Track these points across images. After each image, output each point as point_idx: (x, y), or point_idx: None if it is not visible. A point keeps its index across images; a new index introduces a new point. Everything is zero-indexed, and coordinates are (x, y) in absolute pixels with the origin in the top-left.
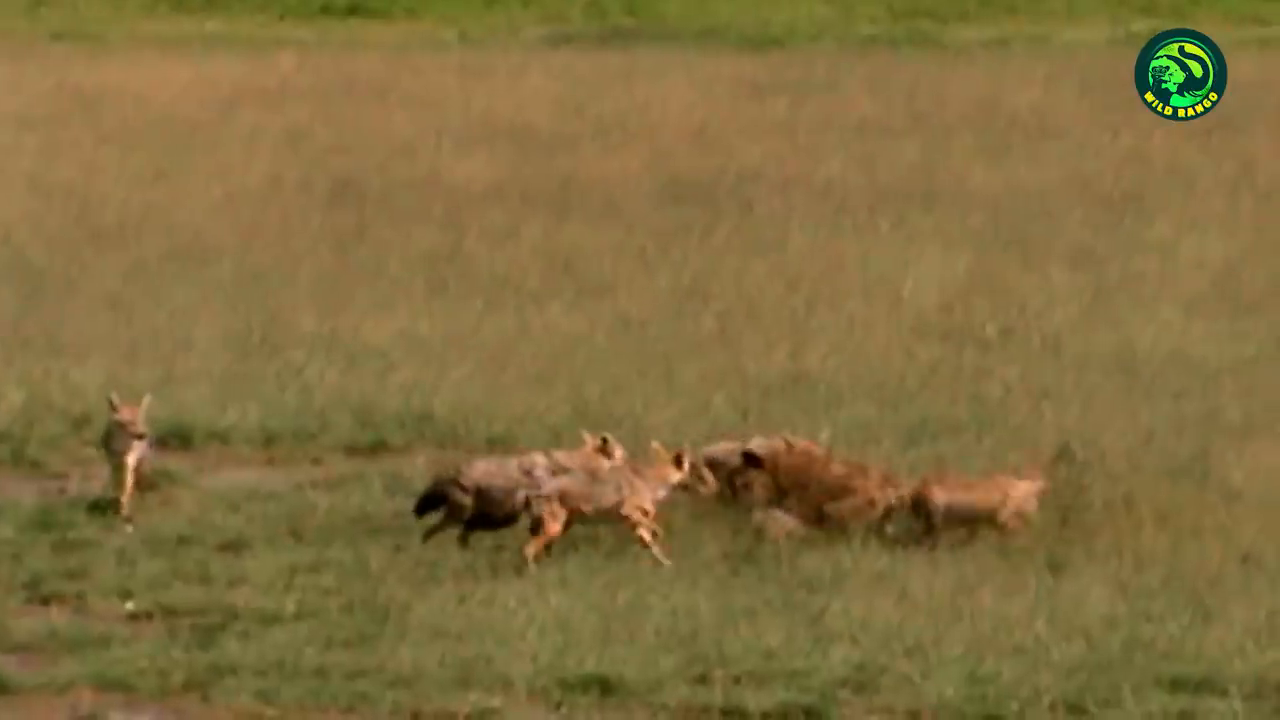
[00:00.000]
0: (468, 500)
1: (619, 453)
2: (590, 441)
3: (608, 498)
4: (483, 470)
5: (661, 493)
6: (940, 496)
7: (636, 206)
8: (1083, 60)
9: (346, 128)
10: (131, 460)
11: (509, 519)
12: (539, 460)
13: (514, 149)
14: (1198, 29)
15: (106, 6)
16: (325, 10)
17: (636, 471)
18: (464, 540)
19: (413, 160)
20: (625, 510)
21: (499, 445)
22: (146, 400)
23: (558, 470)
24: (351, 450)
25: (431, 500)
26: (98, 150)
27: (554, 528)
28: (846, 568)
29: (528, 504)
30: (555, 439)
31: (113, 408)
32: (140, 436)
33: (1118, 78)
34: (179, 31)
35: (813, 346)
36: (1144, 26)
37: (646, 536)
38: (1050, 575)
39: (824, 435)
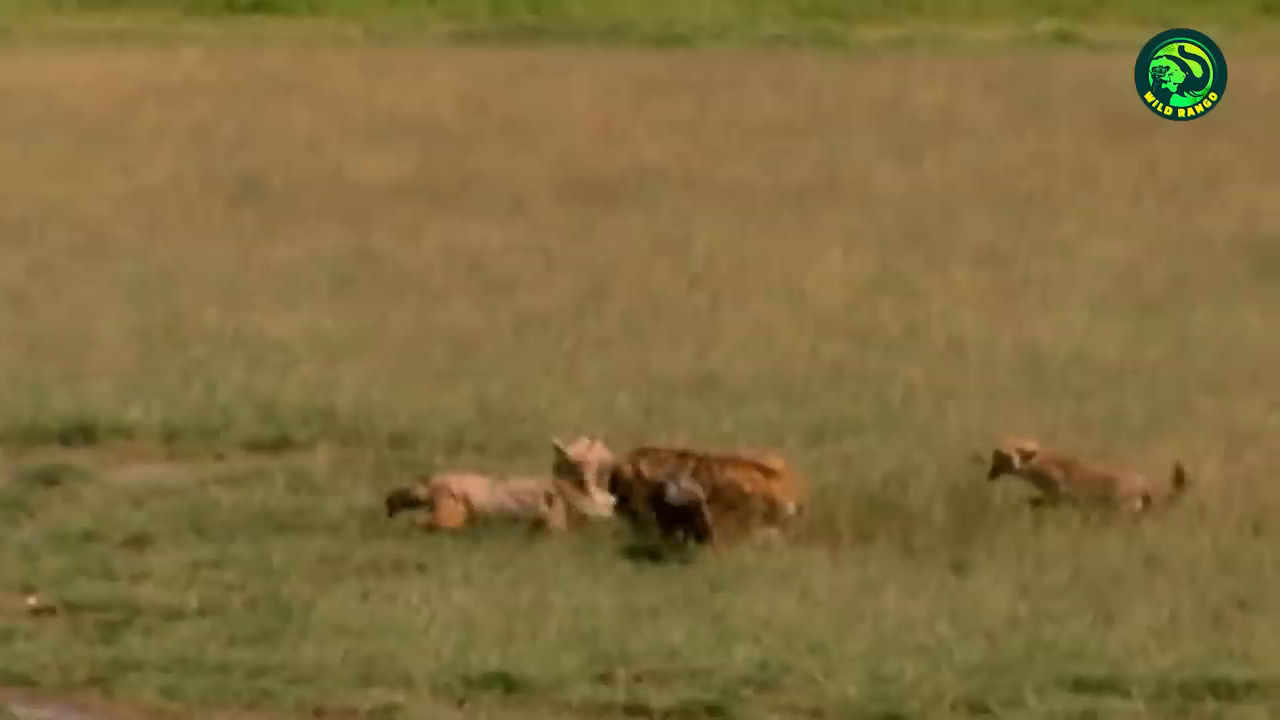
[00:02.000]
0: None
1: None
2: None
3: None
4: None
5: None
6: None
7: (541, 204)
8: (988, 60)
9: (251, 124)
10: None
11: None
12: None
13: (418, 146)
14: (1104, 29)
15: (11, 1)
16: (230, 6)
17: None
18: None
19: (317, 157)
20: None
21: (402, 442)
22: None
23: None
24: (254, 446)
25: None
26: (1, 145)
27: None
28: (749, 566)
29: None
30: (457, 436)
31: None
32: None
33: (1023, 78)
34: (85, 27)
35: (717, 345)
36: (1048, 27)
37: None
38: (953, 575)
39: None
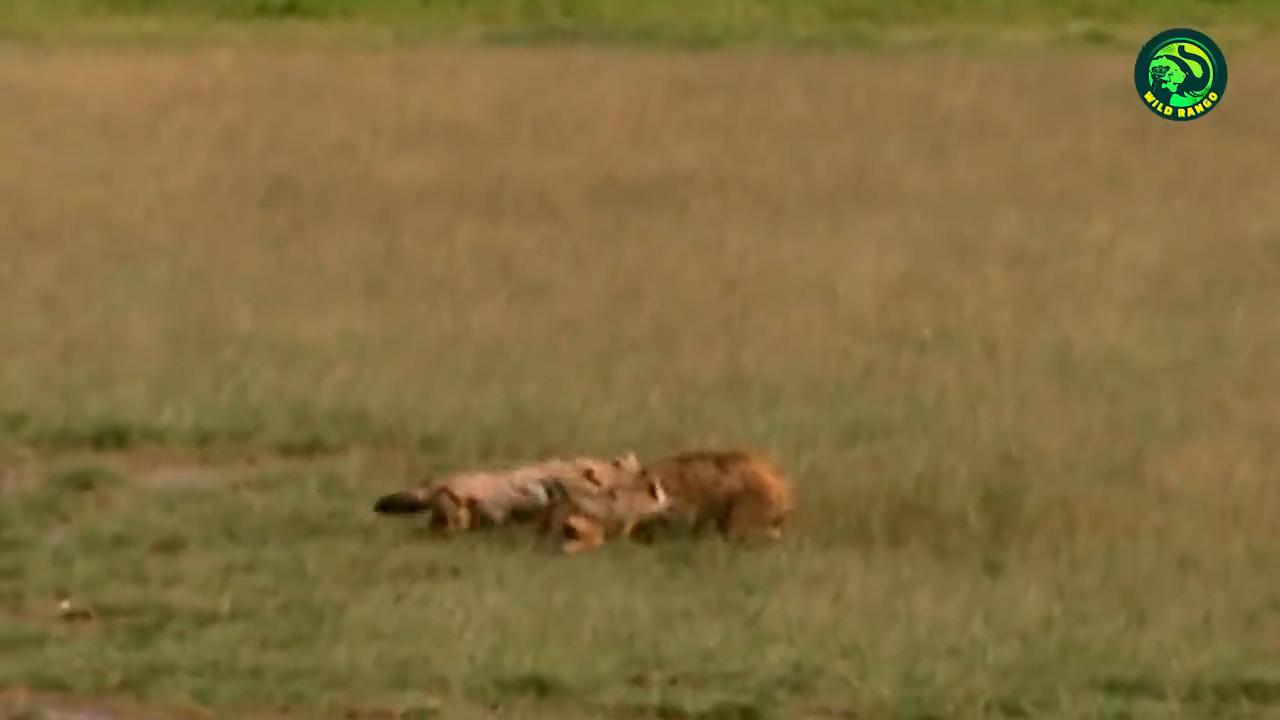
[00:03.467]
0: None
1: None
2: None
3: None
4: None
5: None
6: None
7: (572, 206)
8: (1019, 61)
9: (282, 127)
10: None
11: None
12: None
13: (449, 149)
14: (1136, 30)
15: (43, 5)
16: (261, 9)
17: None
18: None
19: (348, 160)
20: None
21: (434, 445)
22: None
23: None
24: (287, 450)
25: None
26: (33, 149)
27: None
28: (783, 568)
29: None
30: (489, 439)
31: None
32: None
33: (1055, 79)
34: (116, 31)
35: (749, 347)
36: (1080, 28)
37: None
38: (986, 577)
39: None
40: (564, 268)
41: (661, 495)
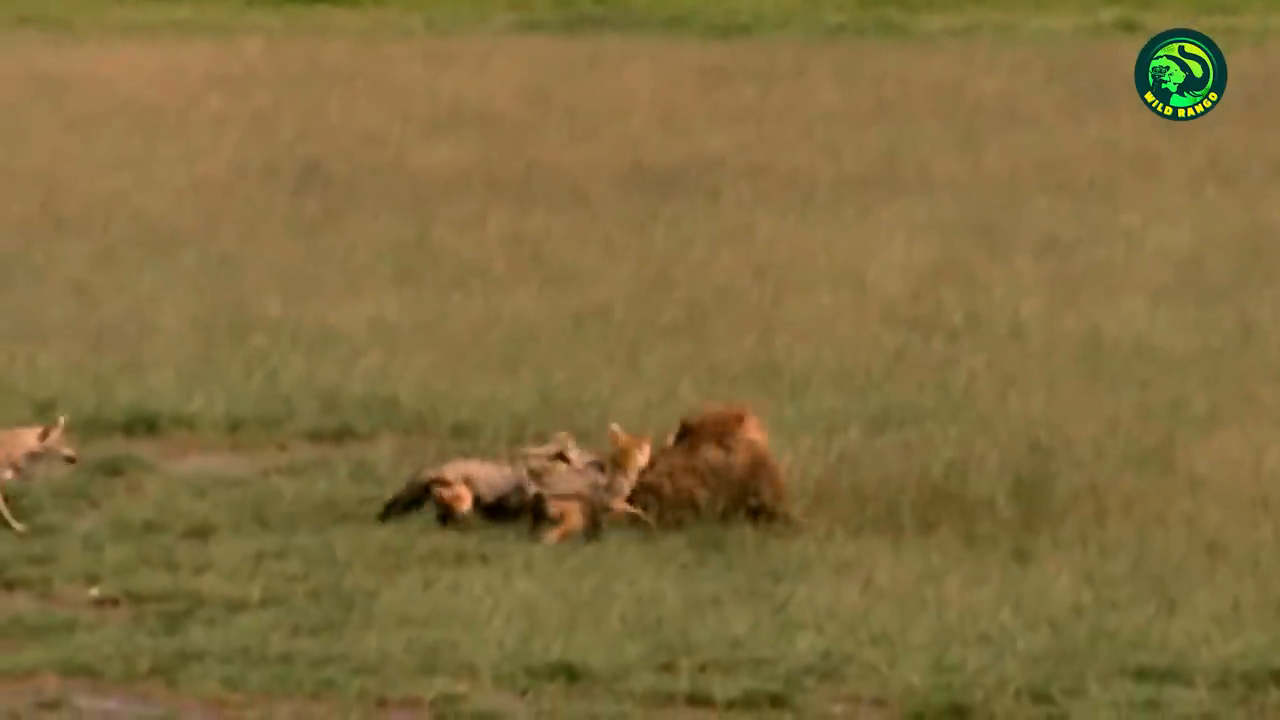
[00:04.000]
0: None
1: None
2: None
3: None
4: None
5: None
6: None
7: (603, 194)
8: (1050, 48)
9: (313, 115)
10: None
11: None
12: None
13: (480, 136)
14: (1166, 18)
15: None
16: None
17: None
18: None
19: (379, 147)
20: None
21: (464, 432)
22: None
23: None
24: (317, 436)
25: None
26: (64, 136)
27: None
28: (812, 556)
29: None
30: (520, 426)
31: None
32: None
33: (1085, 66)
34: (146, 18)
35: (779, 334)
36: (1111, 15)
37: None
38: (1016, 564)
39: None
40: (594, 255)
41: (632, 472)
